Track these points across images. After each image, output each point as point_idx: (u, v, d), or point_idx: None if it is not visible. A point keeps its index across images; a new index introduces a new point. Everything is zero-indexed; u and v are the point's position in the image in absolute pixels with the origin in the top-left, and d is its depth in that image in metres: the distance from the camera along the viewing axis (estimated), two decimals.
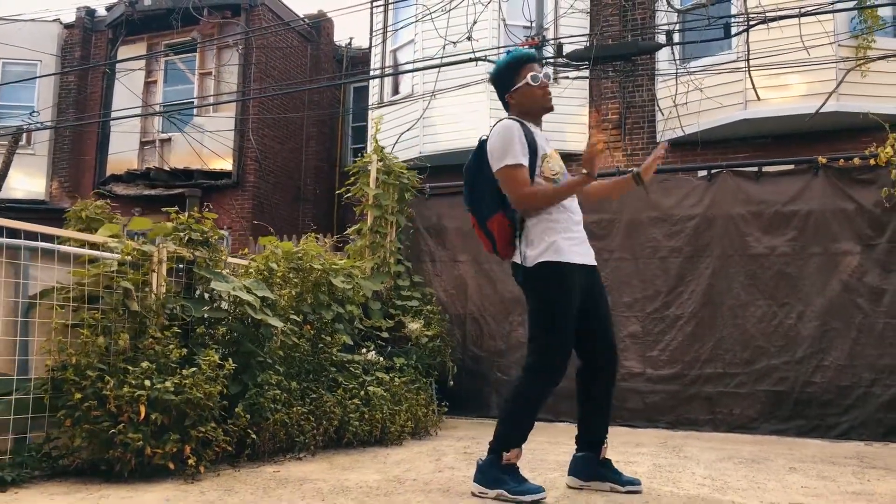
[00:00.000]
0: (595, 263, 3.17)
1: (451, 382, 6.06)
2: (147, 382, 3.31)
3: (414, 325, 5.70)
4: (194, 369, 3.50)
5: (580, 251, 3.06)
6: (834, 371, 5.39)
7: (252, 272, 4.72)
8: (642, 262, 6.10)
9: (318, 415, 4.29)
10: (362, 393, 4.63)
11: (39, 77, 13.57)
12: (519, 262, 3.07)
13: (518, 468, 3.07)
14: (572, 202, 3.14)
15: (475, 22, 8.13)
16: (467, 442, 4.80)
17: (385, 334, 5.76)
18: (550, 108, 3.19)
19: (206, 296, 4.21)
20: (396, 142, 10.06)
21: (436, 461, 4.08)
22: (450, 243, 6.77)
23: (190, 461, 3.35)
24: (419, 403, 5.04)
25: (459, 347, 6.51)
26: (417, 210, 6.95)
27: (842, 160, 5.66)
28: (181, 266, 4.15)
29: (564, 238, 3.01)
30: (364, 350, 5.31)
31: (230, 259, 4.85)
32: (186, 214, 4.29)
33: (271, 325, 4.20)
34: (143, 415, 3.28)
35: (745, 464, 4.18)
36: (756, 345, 5.65)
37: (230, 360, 3.77)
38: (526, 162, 3.03)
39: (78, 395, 3.29)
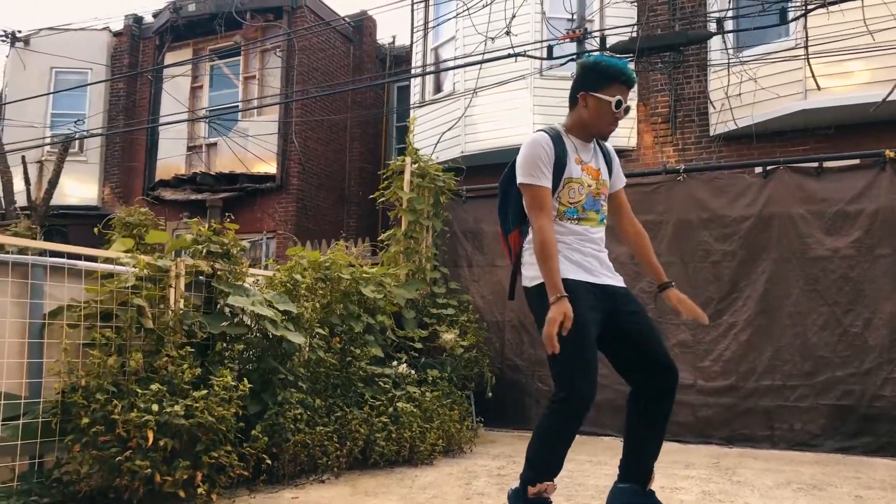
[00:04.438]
0: (616, 283, 2.86)
1: (490, 394, 5.80)
2: (155, 407, 3.15)
3: (448, 336, 5.44)
4: (206, 391, 3.34)
5: (587, 268, 2.77)
6: None
7: (276, 284, 4.54)
8: (692, 266, 5.71)
9: (342, 434, 4.09)
10: (391, 409, 4.41)
11: (89, 84, 13.79)
12: (524, 286, 2.82)
13: (549, 502, 2.79)
14: (587, 223, 2.84)
15: (514, 16, 7.82)
16: (503, 461, 4.54)
17: (418, 345, 5.52)
18: (605, 137, 2.90)
19: (228, 311, 4.05)
20: (438, 141, 9.82)
21: (466, 486, 3.83)
22: (487, 247, 6.50)
23: (200, 489, 3.19)
24: (452, 419, 4.79)
25: (498, 356, 6.23)
26: (454, 213, 6.70)
27: None
28: (202, 279, 4.01)
29: (563, 257, 2.73)
30: (395, 363, 5.09)
31: (254, 271, 4.69)
32: (206, 225, 4.16)
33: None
34: (150, 441, 3.12)
35: (805, 490, 3.81)
36: (818, 355, 5.22)
37: (245, 379, 3.60)
38: (547, 182, 2.75)
39: (86, 420, 3.15)
